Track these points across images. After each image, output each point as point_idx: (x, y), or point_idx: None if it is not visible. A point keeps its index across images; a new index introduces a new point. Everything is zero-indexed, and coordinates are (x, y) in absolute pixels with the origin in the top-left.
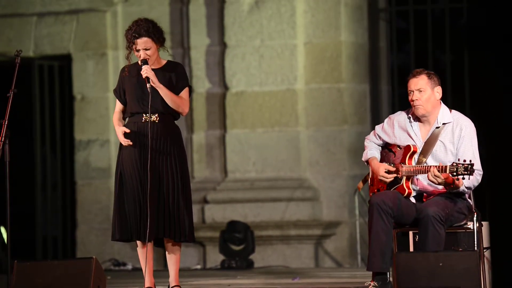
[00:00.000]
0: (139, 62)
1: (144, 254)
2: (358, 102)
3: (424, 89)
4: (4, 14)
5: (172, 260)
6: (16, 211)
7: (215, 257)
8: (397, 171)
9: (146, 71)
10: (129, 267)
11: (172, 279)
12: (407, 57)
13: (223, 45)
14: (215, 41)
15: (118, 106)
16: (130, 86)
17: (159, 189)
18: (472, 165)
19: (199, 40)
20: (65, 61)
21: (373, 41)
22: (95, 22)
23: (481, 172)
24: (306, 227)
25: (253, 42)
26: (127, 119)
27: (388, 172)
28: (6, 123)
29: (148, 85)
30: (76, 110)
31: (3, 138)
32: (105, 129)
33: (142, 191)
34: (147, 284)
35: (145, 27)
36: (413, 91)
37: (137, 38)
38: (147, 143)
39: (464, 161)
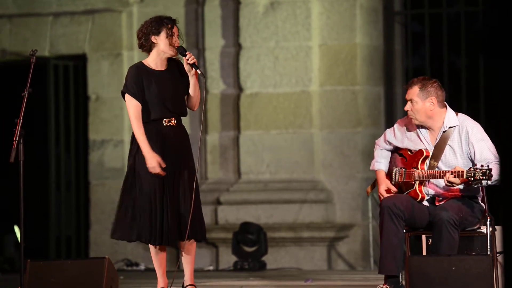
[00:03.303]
0: (174, 52)
1: (158, 255)
2: (372, 104)
3: (415, 101)
4: (20, 13)
5: (188, 260)
6: (30, 210)
7: (227, 258)
8: (409, 175)
9: (193, 57)
10: (142, 267)
11: (188, 278)
12: (422, 60)
13: (238, 46)
14: (230, 42)
15: (138, 108)
16: (151, 90)
17: (181, 191)
18: (490, 170)
19: (214, 41)
20: (80, 61)
21: (388, 43)
22: (110, 22)
23: None
24: (319, 229)
25: (268, 44)
26: (144, 124)
27: (388, 191)
28: (20, 122)
29: (199, 71)
30: (90, 110)
31: (17, 137)
32: (119, 130)
33: (164, 194)
34: (160, 284)
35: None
36: (407, 101)
37: (176, 23)
38: (169, 146)
39: (482, 166)
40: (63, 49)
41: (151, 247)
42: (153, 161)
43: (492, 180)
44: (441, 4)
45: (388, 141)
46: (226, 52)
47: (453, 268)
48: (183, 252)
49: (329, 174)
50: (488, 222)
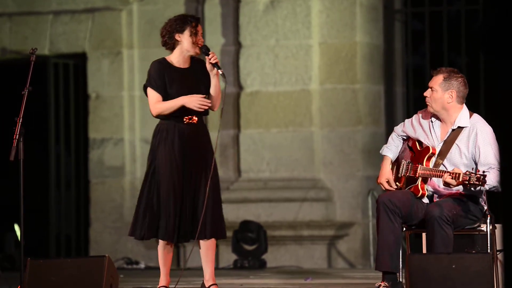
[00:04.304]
0: (198, 51)
1: (165, 253)
2: (372, 103)
3: (436, 89)
4: (20, 12)
5: (208, 259)
6: (30, 209)
7: (228, 257)
8: (414, 170)
9: (215, 57)
10: (142, 265)
11: (209, 277)
12: (422, 59)
13: (238, 45)
14: (230, 40)
15: (159, 99)
16: (172, 87)
17: (201, 189)
18: (484, 176)
19: (214, 40)
20: (80, 59)
21: (388, 42)
22: (110, 20)
23: None
24: (319, 227)
25: (268, 42)
26: (163, 121)
27: (388, 183)
28: (20, 120)
29: (220, 71)
30: (90, 108)
31: (17, 136)
32: (119, 128)
33: (183, 191)
34: (162, 282)
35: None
36: (428, 87)
37: (199, 22)
38: (189, 144)
39: (478, 171)
40: (63, 48)
41: (161, 244)
42: (191, 100)
43: (491, 186)
44: (441, 2)
45: (404, 130)
46: (226, 51)
47: (453, 266)
48: (204, 251)
49: (329, 173)
50: (488, 220)
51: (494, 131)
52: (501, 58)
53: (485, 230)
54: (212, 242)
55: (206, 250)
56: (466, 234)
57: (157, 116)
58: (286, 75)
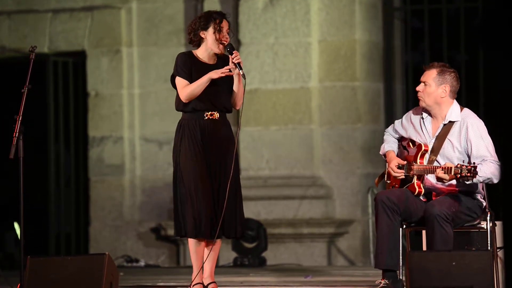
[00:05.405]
0: (221, 49)
1: (195, 249)
2: (372, 100)
3: (429, 84)
4: (19, 10)
5: (212, 257)
6: (29, 207)
7: (227, 255)
8: (409, 168)
9: (238, 57)
10: (142, 263)
11: (208, 275)
12: (421, 56)
13: (238, 43)
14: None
15: (187, 82)
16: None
17: (222, 188)
18: (475, 167)
19: None
20: (80, 57)
21: (388, 39)
22: (109, 18)
23: (500, 163)
24: (319, 225)
25: (267, 40)
26: (186, 114)
27: (400, 167)
28: (20, 119)
29: (241, 72)
30: (90, 106)
31: (17, 134)
32: (118, 126)
33: (211, 190)
34: (198, 280)
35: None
36: (421, 82)
37: (226, 18)
38: (209, 139)
39: (469, 163)
40: (62, 46)
41: (191, 241)
42: (216, 72)
43: (484, 178)
44: (440, 0)
45: (396, 129)
46: None
47: (454, 263)
48: (208, 248)
49: (329, 170)
50: (488, 218)
51: (494, 130)
52: (500, 55)
53: (485, 228)
54: (219, 241)
55: (212, 248)
56: (464, 232)
57: (182, 109)
58: (286, 73)
